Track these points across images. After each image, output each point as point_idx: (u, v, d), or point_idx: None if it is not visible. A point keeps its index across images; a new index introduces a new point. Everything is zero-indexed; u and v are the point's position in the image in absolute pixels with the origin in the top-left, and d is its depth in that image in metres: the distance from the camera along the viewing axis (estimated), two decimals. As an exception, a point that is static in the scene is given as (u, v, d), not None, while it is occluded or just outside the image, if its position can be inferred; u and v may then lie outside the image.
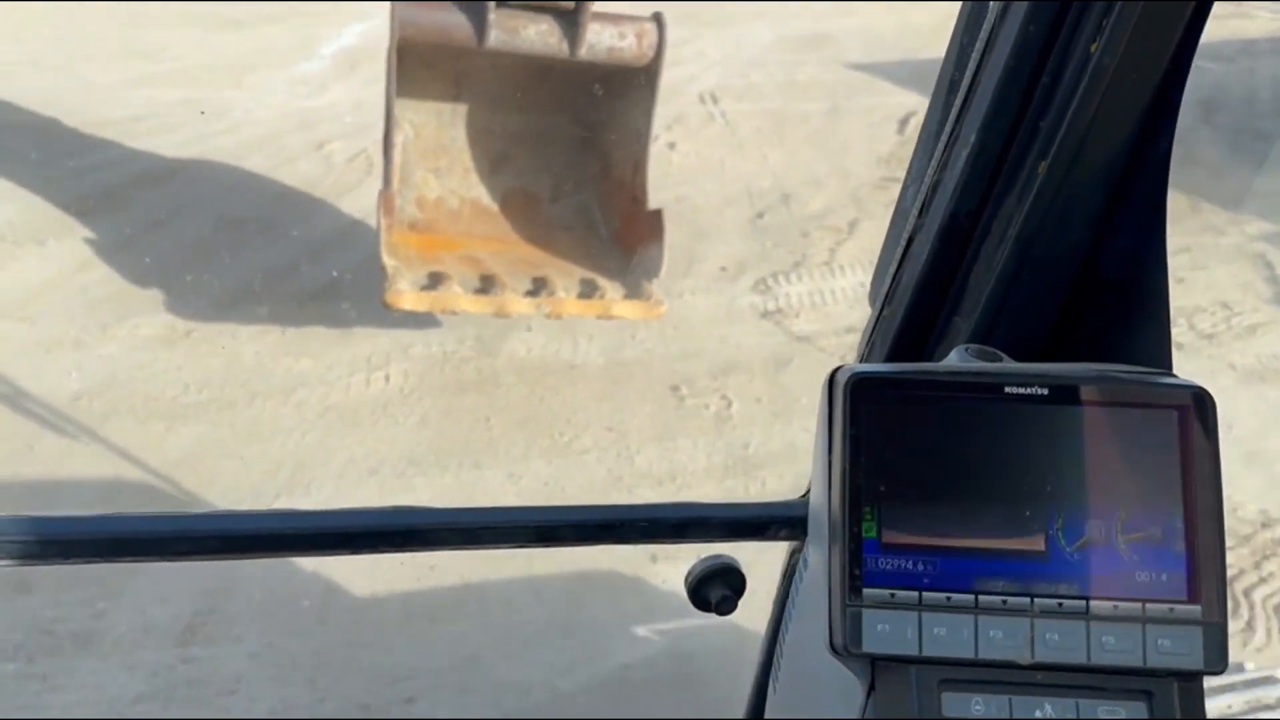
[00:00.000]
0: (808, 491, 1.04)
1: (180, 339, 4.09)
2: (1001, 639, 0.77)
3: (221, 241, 4.77)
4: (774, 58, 8.96)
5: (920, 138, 1.04)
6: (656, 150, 6.39)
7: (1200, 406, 0.79)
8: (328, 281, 4.44)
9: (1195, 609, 0.77)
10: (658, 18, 3.79)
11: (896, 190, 1.11)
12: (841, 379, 0.82)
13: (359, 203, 5.08)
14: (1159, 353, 0.92)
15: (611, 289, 3.82)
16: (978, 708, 0.77)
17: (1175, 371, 0.86)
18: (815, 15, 10.31)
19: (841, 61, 8.78)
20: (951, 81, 0.96)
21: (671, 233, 4.31)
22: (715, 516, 1.01)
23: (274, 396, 3.82)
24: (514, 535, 0.96)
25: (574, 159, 4.30)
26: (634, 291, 3.83)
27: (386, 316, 3.95)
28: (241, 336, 4.12)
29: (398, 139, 3.75)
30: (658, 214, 3.86)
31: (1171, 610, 0.77)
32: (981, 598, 0.78)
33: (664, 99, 7.25)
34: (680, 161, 6.51)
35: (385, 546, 0.95)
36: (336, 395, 3.85)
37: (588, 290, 3.81)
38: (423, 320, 4.09)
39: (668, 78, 3.92)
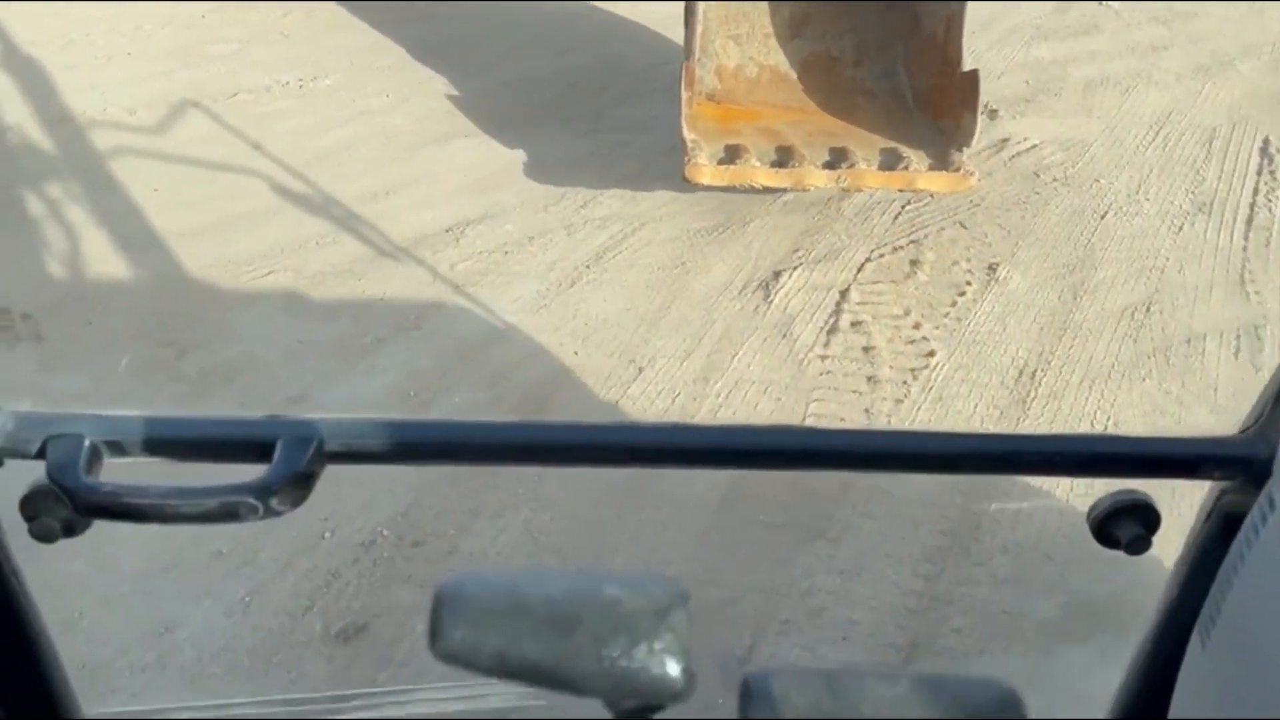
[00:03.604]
0: (1247, 428, 0.92)
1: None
2: None
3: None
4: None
5: None
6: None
7: None
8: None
9: None
10: None
11: None
12: None
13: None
14: None
15: (916, 159, 3.59)
16: None
17: None
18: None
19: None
20: None
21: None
22: (1132, 451, 0.92)
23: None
24: (921, 461, 0.93)
25: (880, 17, 4.01)
26: (940, 162, 3.58)
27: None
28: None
29: (699, 6, 3.66)
30: (973, 75, 3.55)
31: None
32: None
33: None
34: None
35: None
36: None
37: (890, 161, 3.61)
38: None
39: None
